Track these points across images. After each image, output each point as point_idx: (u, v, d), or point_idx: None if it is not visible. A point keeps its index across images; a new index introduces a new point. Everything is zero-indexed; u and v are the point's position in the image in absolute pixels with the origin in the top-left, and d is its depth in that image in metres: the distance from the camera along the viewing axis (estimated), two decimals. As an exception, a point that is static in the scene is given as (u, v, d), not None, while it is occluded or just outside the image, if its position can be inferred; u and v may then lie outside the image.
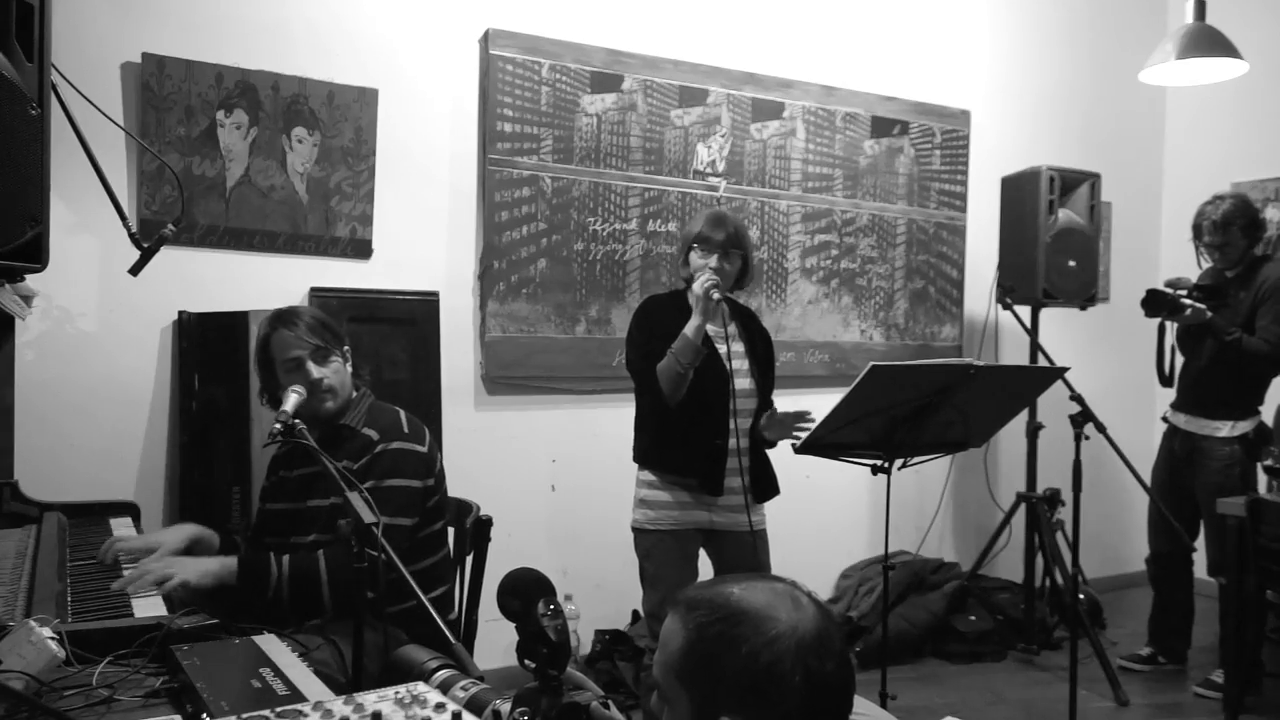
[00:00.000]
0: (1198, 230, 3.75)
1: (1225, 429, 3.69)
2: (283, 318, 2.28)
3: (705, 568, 2.85)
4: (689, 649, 1.06)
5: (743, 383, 2.75)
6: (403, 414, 2.32)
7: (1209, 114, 5.15)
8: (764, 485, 2.82)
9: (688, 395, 2.64)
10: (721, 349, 2.73)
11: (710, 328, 2.71)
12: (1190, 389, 3.82)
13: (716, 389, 2.68)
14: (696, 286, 2.60)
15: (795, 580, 1.13)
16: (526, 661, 1.12)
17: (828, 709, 1.05)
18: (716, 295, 2.60)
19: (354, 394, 2.33)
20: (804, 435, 2.70)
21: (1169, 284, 3.71)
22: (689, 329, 2.59)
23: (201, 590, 1.96)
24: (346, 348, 2.33)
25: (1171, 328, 3.87)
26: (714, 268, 2.66)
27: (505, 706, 1.08)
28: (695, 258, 2.71)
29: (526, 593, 1.15)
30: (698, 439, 2.69)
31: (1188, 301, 3.58)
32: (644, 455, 2.79)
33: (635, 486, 2.80)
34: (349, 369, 2.32)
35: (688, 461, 2.70)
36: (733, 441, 2.71)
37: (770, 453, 2.84)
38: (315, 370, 2.21)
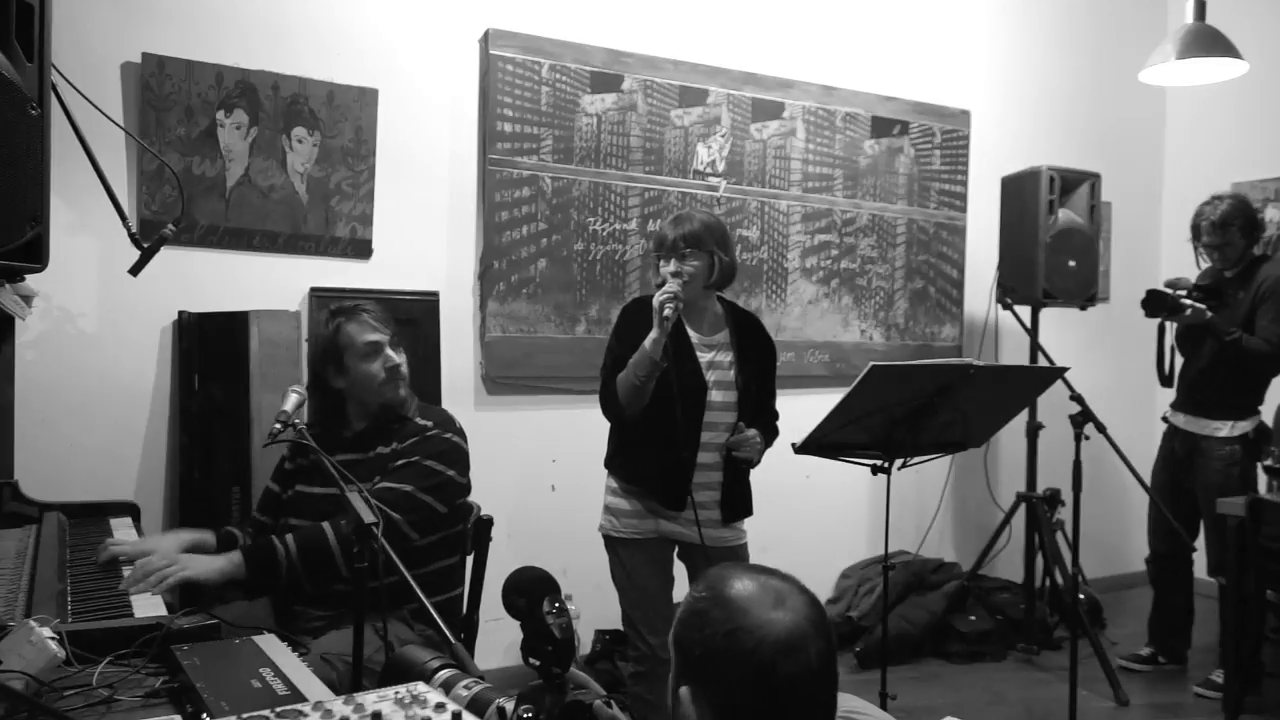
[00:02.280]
0: (1196, 231, 3.75)
1: (1225, 429, 3.69)
2: (355, 308, 2.34)
3: (681, 574, 2.79)
4: (681, 617, 1.15)
5: (722, 395, 2.65)
6: (450, 413, 2.41)
7: (1209, 114, 5.15)
8: (733, 504, 2.69)
9: (659, 405, 2.56)
10: (703, 358, 2.66)
11: (694, 335, 2.66)
12: (1190, 389, 3.82)
13: (691, 400, 2.59)
14: (655, 300, 2.52)
15: (799, 582, 1.15)
16: (531, 659, 1.12)
17: (783, 709, 1.08)
18: (668, 311, 2.48)
19: None
20: (752, 449, 2.66)
21: (1169, 284, 3.72)
22: (647, 342, 2.50)
23: (210, 586, 1.98)
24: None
25: (1171, 328, 3.87)
26: (674, 272, 2.56)
27: (509, 705, 1.08)
28: (661, 264, 2.63)
29: (531, 591, 1.15)
30: (663, 450, 2.59)
31: (1188, 302, 3.58)
32: (609, 461, 2.75)
33: (604, 491, 2.77)
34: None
35: (649, 472, 2.64)
36: (705, 456, 2.63)
37: (771, 453, 2.75)
38: (395, 355, 2.30)
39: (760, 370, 2.74)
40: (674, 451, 2.58)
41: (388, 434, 2.28)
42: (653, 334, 2.50)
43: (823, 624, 1.12)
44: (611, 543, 2.73)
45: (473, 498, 2.55)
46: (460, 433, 2.36)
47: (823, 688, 1.10)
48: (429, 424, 2.31)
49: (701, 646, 1.10)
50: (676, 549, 2.75)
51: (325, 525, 2.09)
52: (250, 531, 2.36)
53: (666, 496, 2.63)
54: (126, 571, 1.91)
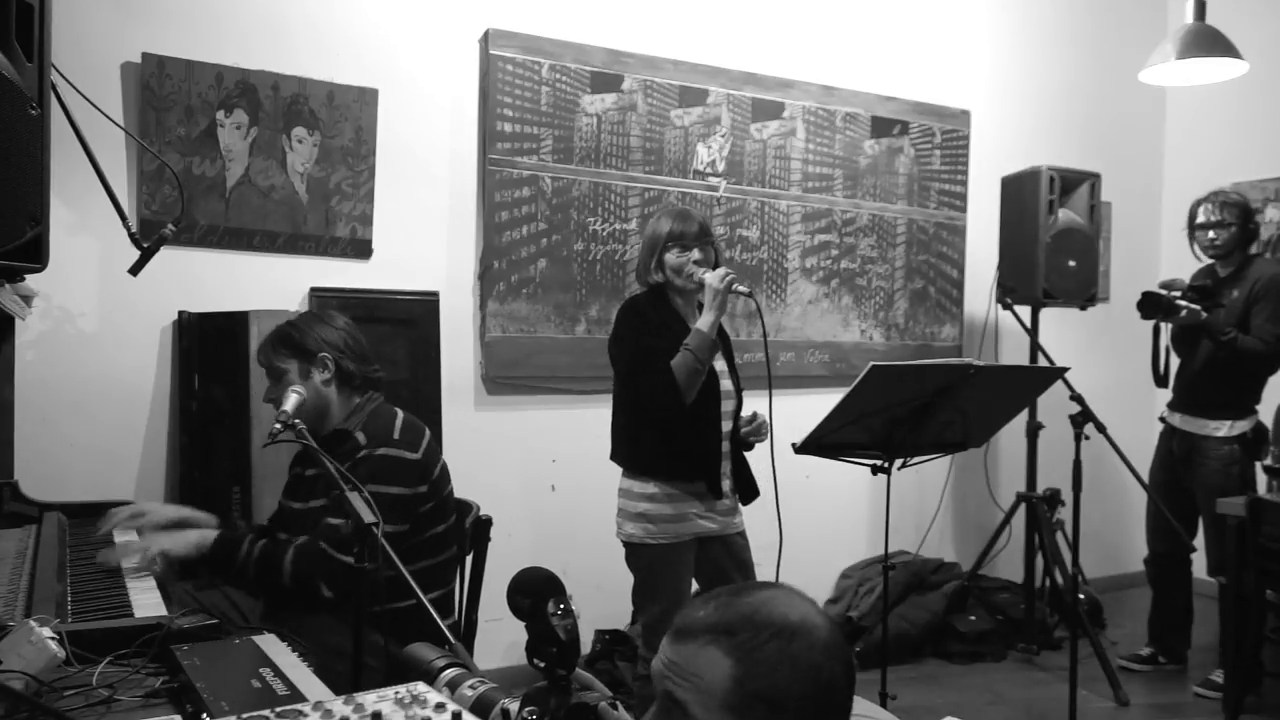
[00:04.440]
0: (1193, 215, 3.77)
1: (1224, 429, 3.69)
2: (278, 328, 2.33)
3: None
4: (743, 676, 0.99)
5: (726, 383, 2.72)
6: (399, 419, 2.27)
7: (1209, 114, 5.15)
8: (748, 487, 2.79)
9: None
10: None
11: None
12: (1187, 389, 3.83)
13: (707, 391, 2.64)
14: (713, 280, 2.55)
15: (788, 583, 1.13)
16: (535, 661, 1.12)
17: (850, 703, 1.06)
18: (744, 289, 2.57)
19: (354, 401, 2.29)
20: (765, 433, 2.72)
21: (1163, 285, 3.73)
22: (703, 324, 2.54)
23: (184, 560, 2.08)
24: (324, 355, 2.24)
25: (1166, 328, 3.88)
26: (697, 260, 2.63)
27: (513, 706, 1.08)
28: (672, 257, 2.65)
29: (537, 592, 1.15)
30: (700, 442, 2.65)
31: (1183, 303, 3.59)
32: (643, 464, 2.68)
33: (625, 498, 2.70)
34: (322, 376, 2.24)
35: (693, 466, 2.65)
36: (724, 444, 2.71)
37: (768, 453, 2.77)
38: (268, 392, 2.29)
39: (732, 360, 2.82)
40: (708, 442, 2.66)
41: (332, 450, 2.14)
42: (710, 316, 2.55)
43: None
44: (645, 550, 2.66)
45: (473, 497, 2.55)
46: (403, 440, 2.22)
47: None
48: (362, 440, 2.20)
49: (806, 684, 0.99)
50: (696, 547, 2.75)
51: (289, 546, 2.12)
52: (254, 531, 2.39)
53: (712, 486, 2.66)
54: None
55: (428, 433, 2.32)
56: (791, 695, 0.99)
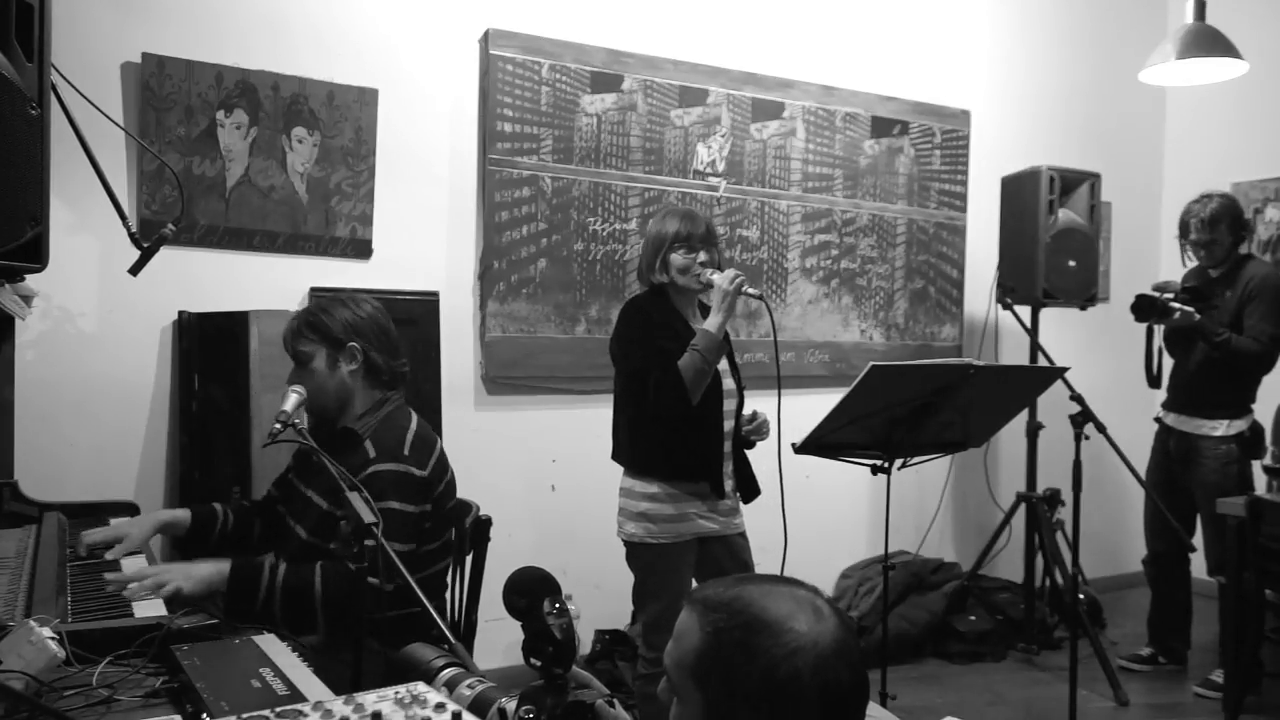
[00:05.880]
0: (1185, 228, 3.77)
1: (1221, 428, 3.70)
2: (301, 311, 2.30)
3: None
4: (705, 652, 1.06)
5: (727, 383, 2.72)
6: (411, 431, 2.19)
7: (1209, 114, 5.15)
8: (750, 486, 2.80)
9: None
10: None
11: (696, 327, 2.68)
12: (1182, 390, 3.83)
13: (711, 391, 2.64)
14: (722, 282, 2.56)
15: (816, 587, 1.11)
16: (532, 660, 1.12)
17: (843, 717, 1.06)
18: (754, 291, 2.58)
19: (374, 395, 2.24)
20: (768, 432, 2.73)
21: (1157, 288, 3.74)
22: (712, 325, 2.55)
23: (195, 596, 1.94)
24: (353, 344, 2.19)
25: (1159, 329, 3.88)
26: (704, 262, 2.64)
27: (511, 705, 1.08)
28: (678, 257, 2.64)
29: (532, 591, 1.15)
30: (703, 442, 2.65)
31: (1176, 305, 3.59)
32: (645, 464, 2.67)
33: (626, 498, 2.70)
34: (347, 369, 2.20)
35: (696, 466, 2.65)
36: (725, 444, 2.70)
37: (771, 453, 2.76)
38: (290, 377, 2.22)
39: (733, 360, 2.82)
40: (711, 442, 2.65)
41: (340, 453, 2.09)
42: (718, 317, 2.56)
43: (849, 619, 1.09)
44: (646, 550, 2.65)
45: (473, 498, 2.55)
46: (412, 456, 2.15)
47: (868, 687, 1.08)
48: (371, 454, 2.13)
49: (758, 679, 1.02)
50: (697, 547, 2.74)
51: (316, 571, 1.99)
52: (241, 504, 2.39)
53: (715, 486, 2.66)
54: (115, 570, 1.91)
55: (438, 446, 2.25)
56: (742, 683, 1.03)
